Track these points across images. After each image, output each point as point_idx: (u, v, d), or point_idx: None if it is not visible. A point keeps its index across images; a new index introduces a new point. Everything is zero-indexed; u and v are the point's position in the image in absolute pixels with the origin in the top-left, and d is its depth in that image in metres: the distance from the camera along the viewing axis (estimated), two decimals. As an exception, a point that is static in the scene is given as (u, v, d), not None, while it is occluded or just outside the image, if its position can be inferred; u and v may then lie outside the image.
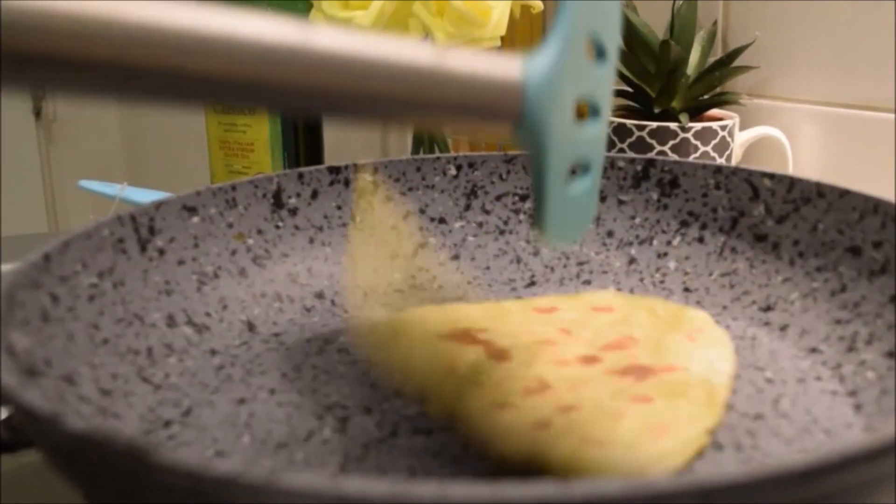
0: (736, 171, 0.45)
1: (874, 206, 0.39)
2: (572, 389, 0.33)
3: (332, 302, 0.45)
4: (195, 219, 0.43)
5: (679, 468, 0.29)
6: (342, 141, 0.96)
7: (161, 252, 0.41)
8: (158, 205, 0.41)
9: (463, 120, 0.26)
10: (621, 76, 0.66)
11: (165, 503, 0.21)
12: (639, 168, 0.47)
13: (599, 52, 0.28)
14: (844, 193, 0.40)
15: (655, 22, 0.65)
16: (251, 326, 0.42)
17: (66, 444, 0.22)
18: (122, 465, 0.21)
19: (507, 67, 0.26)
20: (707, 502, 0.19)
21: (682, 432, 0.31)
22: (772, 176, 0.44)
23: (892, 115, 0.63)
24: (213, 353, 0.40)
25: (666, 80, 0.63)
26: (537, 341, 0.37)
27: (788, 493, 0.20)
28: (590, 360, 0.36)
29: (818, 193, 0.42)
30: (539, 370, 0.35)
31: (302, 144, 0.70)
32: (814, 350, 0.38)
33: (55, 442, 0.23)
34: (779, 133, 0.67)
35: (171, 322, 0.40)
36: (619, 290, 0.45)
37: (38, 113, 1.52)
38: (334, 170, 0.47)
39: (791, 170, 0.67)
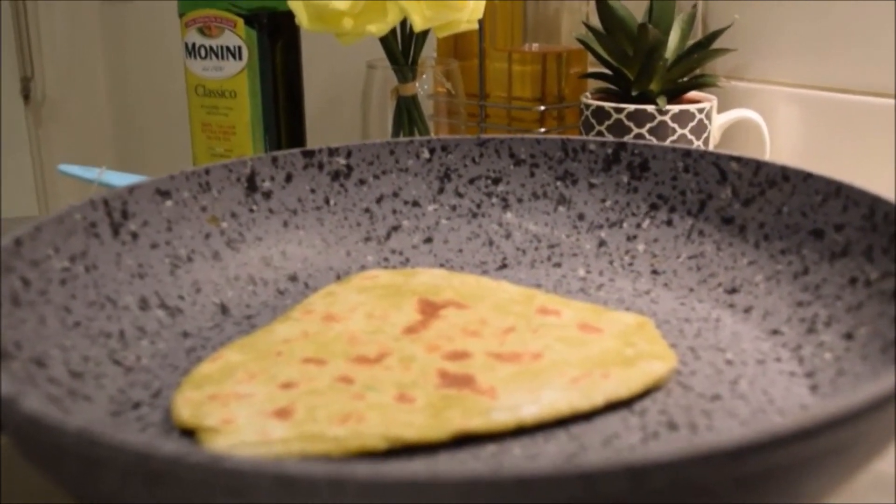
0: (704, 154, 0.45)
1: (836, 189, 0.40)
2: (404, 362, 0.35)
3: (306, 285, 0.45)
4: (168, 202, 0.43)
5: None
6: (323, 124, 0.96)
7: (134, 236, 0.41)
8: (131, 189, 0.42)
9: None
10: (599, 58, 0.66)
11: (121, 483, 0.22)
12: (609, 151, 0.48)
13: None
14: (808, 177, 0.41)
15: (634, 4, 0.65)
16: (224, 309, 0.43)
17: (23, 426, 0.23)
18: (75, 446, 0.21)
19: None
20: (637, 481, 0.19)
21: None
22: (739, 159, 0.44)
23: (869, 98, 0.64)
24: (186, 335, 0.40)
25: (644, 63, 0.64)
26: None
27: (720, 472, 0.20)
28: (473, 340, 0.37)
29: (783, 177, 0.42)
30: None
31: (283, 127, 0.71)
32: (775, 332, 0.39)
33: (14, 424, 0.24)
34: (756, 116, 0.67)
35: (143, 305, 0.40)
36: (588, 272, 0.46)
37: (26, 95, 1.52)
38: (308, 153, 0.48)
39: (768, 152, 0.67)
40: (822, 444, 0.22)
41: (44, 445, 0.23)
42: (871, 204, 0.38)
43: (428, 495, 0.19)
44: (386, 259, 0.47)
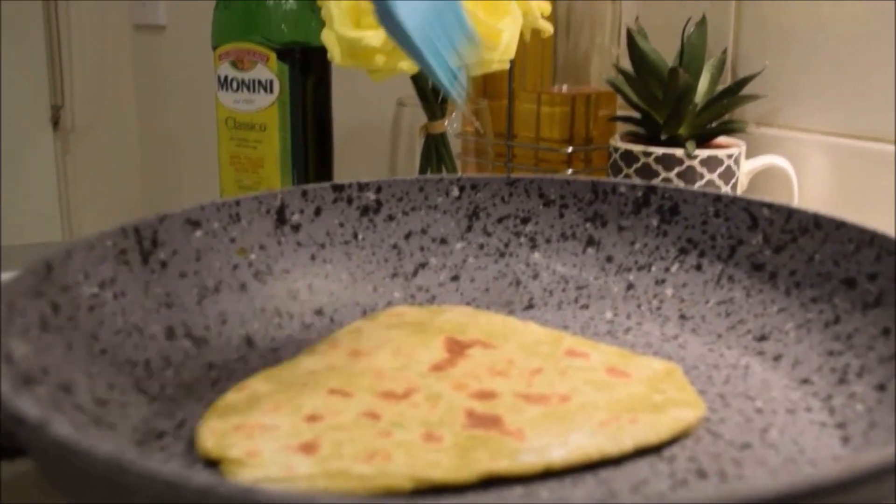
0: (735, 199, 0.45)
1: (870, 238, 0.39)
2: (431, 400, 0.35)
3: (332, 319, 0.45)
4: (198, 232, 0.43)
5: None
6: (351, 159, 0.96)
7: (163, 264, 0.41)
8: (162, 218, 0.42)
9: None
10: (629, 101, 0.66)
11: (147, 513, 0.22)
12: (640, 194, 0.48)
13: None
14: (841, 225, 0.41)
15: (665, 48, 0.65)
16: (249, 341, 0.42)
17: (52, 451, 0.23)
18: (104, 473, 0.21)
19: None
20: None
21: None
22: (770, 206, 0.44)
23: (899, 148, 0.63)
24: (211, 366, 0.40)
25: (674, 107, 0.64)
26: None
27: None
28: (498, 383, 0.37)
29: (815, 224, 0.42)
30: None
31: (311, 161, 0.71)
32: (805, 381, 0.38)
33: (42, 448, 0.23)
34: (785, 162, 0.67)
35: (170, 335, 0.40)
36: (615, 315, 0.46)
37: (55, 123, 1.53)
38: (338, 187, 0.48)
39: (797, 200, 0.67)
40: (859, 496, 0.21)
41: (72, 471, 0.23)
42: (905, 254, 0.37)
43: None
44: (412, 296, 0.47)
